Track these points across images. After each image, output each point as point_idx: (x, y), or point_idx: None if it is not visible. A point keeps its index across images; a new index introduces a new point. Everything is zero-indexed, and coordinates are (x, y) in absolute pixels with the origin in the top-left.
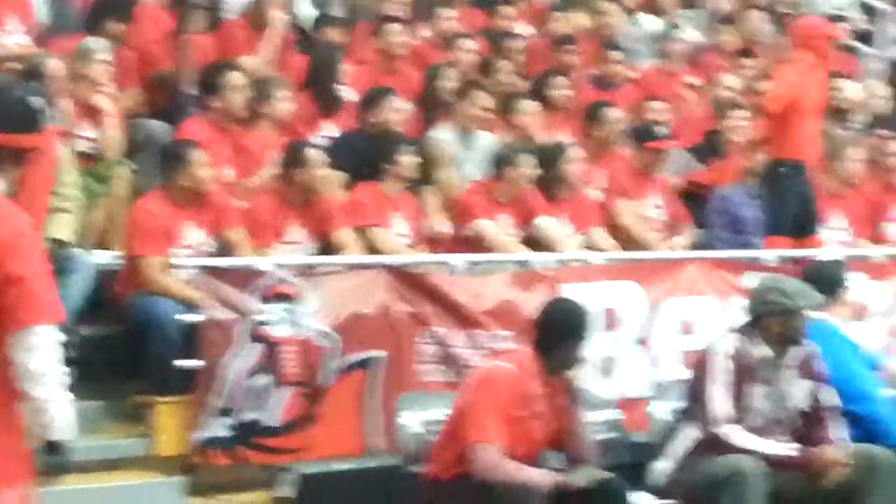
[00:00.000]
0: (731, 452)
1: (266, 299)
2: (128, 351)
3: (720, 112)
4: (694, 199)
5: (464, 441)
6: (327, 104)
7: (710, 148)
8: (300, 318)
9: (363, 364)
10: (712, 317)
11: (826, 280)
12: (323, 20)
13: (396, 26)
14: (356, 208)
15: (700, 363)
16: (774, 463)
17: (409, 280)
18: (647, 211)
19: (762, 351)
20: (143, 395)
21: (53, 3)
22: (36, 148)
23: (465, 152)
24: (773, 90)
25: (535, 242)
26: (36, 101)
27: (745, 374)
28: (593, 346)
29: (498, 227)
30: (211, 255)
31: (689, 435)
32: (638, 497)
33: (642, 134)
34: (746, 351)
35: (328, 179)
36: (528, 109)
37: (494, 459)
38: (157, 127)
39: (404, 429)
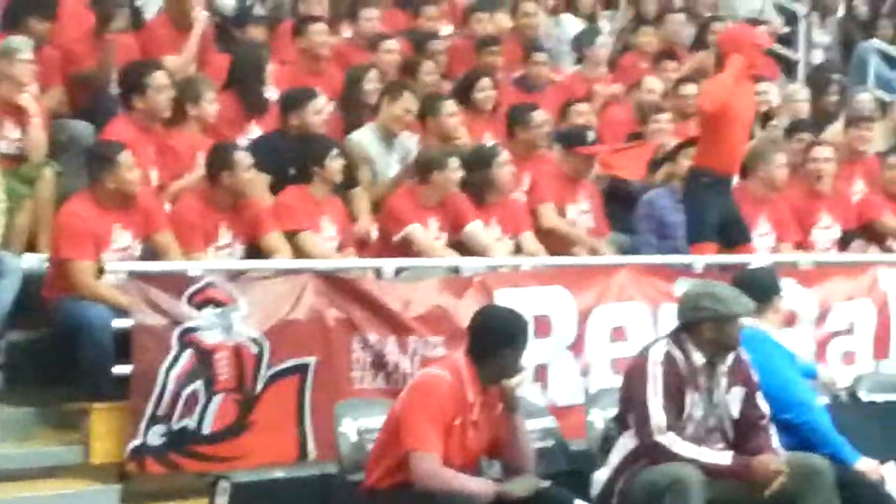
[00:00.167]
0: (668, 461)
1: (197, 304)
2: (57, 356)
3: (643, 116)
4: (620, 203)
5: (401, 450)
6: (253, 105)
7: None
8: (232, 323)
9: (295, 370)
10: (643, 323)
11: (759, 287)
12: (244, 17)
13: (319, 26)
14: (285, 212)
15: (633, 371)
16: (713, 472)
17: (339, 285)
18: (572, 215)
19: (696, 358)
20: (74, 402)
21: None
22: None
23: (388, 155)
24: (709, 90)
25: (463, 247)
26: None
27: (678, 381)
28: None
29: (426, 232)
30: (139, 258)
31: (624, 444)
32: None
33: (570, 138)
34: (679, 358)
35: (256, 182)
36: (451, 111)
37: (433, 468)
38: (81, 127)
39: (343, 437)
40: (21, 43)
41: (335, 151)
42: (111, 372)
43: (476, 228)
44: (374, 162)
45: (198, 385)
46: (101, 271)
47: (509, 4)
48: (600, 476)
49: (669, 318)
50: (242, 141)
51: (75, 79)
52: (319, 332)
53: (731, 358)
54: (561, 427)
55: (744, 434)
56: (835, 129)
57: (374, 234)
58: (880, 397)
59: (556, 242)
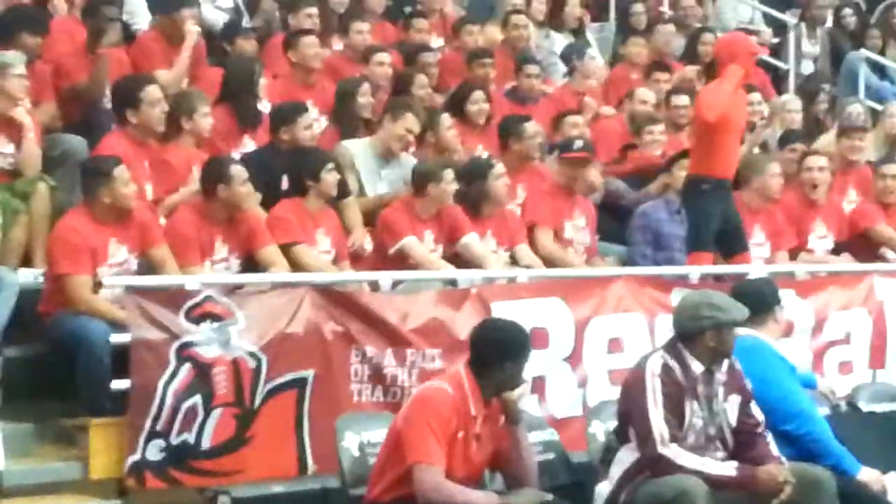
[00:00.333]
0: (672, 473)
1: (194, 319)
2: (54, 371)
3: (636, 127)
4: (614, 215)
5: (403, 463)
6: (246, 119)
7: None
8: (229, 337)
9: (293, 384)
10: (640, 334)
11: (759, 297)
12: (235, 31)
13: (311, 39)
14: (280, 225)
15: (631, 384)
16: (718, 483)
17: (336, 298)
18: (569, 233)
19: (694, 367)
20: (73, 418)
21: None
22: None
23: (381, 172)
24: (712, 99)
25: (459, 259)
26: None
27: (678, 392)
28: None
29: (422, 245)
30: (135, 273)
31: (625, 457)
32: None
33: (566, 148)
34: (677, 369)
35: (252, 196)
36: (450, 125)
37: (436, 481)
38: (75, 142)
39: (345, 451)
40: (13, 58)
41: (330, 165)
42: (109, 387)
43: (472, 241)
44: (359, 173)
45: (196, 399)
46: (98, 286)
47: (500, 17)
48: (602, 489)
49: (666, 328)
50: (235, 155)
51: (68, 93)
52: (317, 345)
53: (725, 366)
54: (563, 439)
55: (742, 443)
56: (827, 139)
57: (368, 246)
58: (880, 407)
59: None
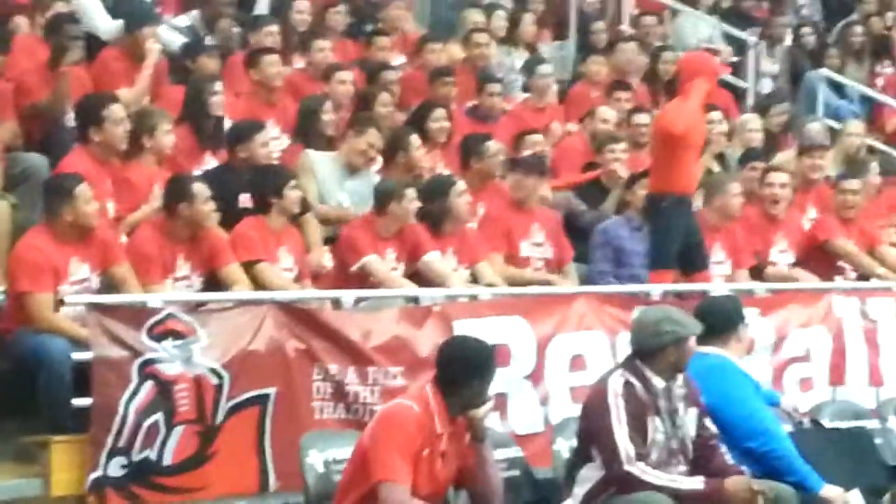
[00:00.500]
0: (638, 490)
1: (156, 337)
2: (15, 389)
3: (598, 145)
4: (574, 233)
5: (369, 480)
6: (206, 137)
7: (594, 190)
8: (191, 355)
9: (255, 401)
10: (601, 352)
11: (724, 315)
12: (197, 49)
13: (272, 57)
14: (242, 242)
15: (593, 404)
16: (687, 499)
17: (299, 316)
18: (526, 251)
19: (655, 383)
20: (34, 435)
21: None
22: None
23: (344, 185)
24: (678, 115)
25: (420, 277)
26: None
27: (640, 409)
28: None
29: (384, 262)
30: (97, 291)
31: (588, 475)
32: None
33: (525, 165)
34: (638, 386)
35: (214, 214)
36: (419, 145)
37: (402, 499)
38: (37, 160)
39: (310, 468)
40: None
41: (293, 181)
42: (71, 404)
43: (433, 258)
44: (321, 181)
45: (158, 417)
46: (59, 304)
47: (461, 35)
48: None
49: (628, 346)
50: (196, 173)
51: (29, 111)
52: (279, 362)
53: (681, 379)
54: (527, 456)
55: (701, 455)
56: (785, 157)
57: (328, 262)
58: (843, 424)
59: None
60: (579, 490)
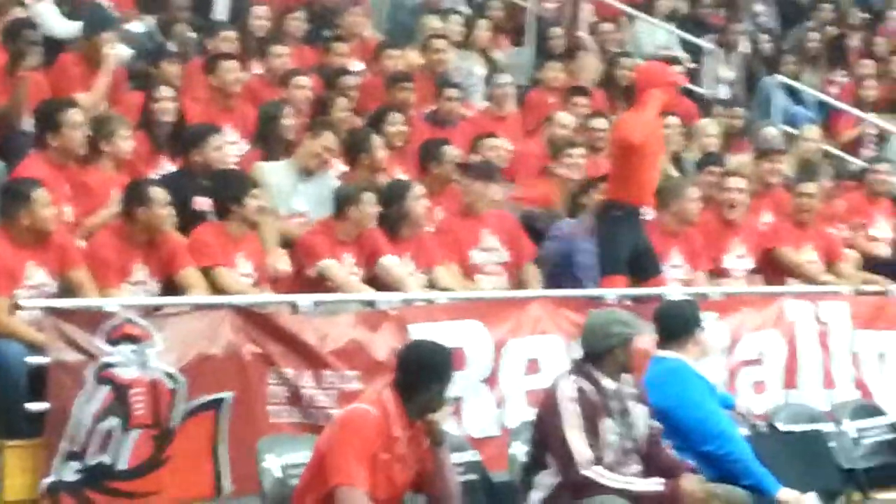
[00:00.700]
0: (595, 494)
1: (113, 341)
2: None
3: (555, 150)
4: (531, 237)
5: (326, 485)
6: (161, 142)
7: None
8: (148, 359)
9: (211, 405)
10: (557, 355)
11: (681, 319)
12: (159, 54)
13: (230, 63)
14: (200, 248)
15: (546, 410)
16: (646, 500)
17: (256, 320)
18: (477, 259)
19: (606, 384)
20: None
21: None
22: None
23: (302, 190)
24: (635, 124)
25: (379, 282)
26: None
27: (593, 412)
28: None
29: (342, 267)
30: (54, 295)
31: (544, 481)
32: None
33: (472, 171)
34: (589, 389)
35: (171, 218)
36: (380, 145)
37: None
38: None
39: (266, 472)
40: None
41: (254, 190)
42: (25, 409)
43: (390, 262)
44: (282, 195)
45: (114, 421)
46: (15, 308)
47: (420, 41)
48: None
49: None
50: (154, 177)
51: None
52: (236, 367)
53: (629, 378)
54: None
55: (648, 451)
56: (740, 161)
57: (285, 266)
58: (798, 427)
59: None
60: (536, 496)
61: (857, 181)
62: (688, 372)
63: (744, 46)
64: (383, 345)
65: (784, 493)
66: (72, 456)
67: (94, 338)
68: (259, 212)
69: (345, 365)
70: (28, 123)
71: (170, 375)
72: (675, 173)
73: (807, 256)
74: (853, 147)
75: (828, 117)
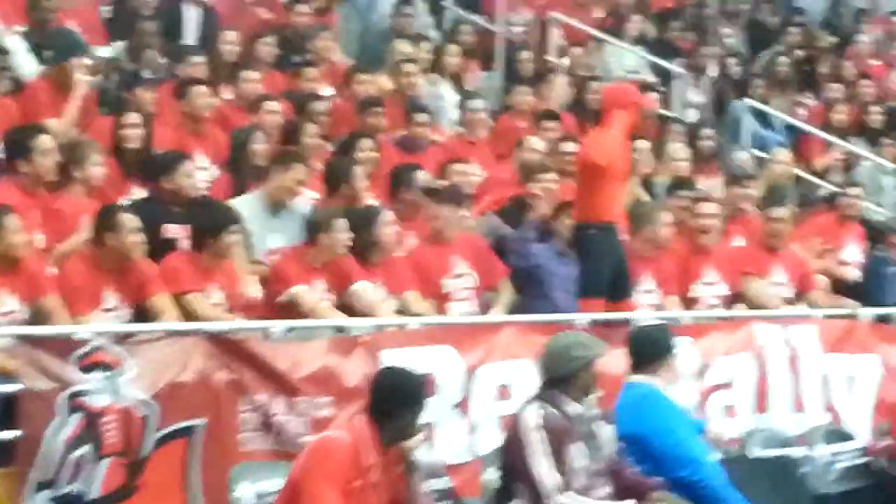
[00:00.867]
0: None
1: (85, 368)
2: None
3: (526, 174)
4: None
5: None
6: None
7: (517, 211)
8: (120, 386)
9: (183, 433)
10: (529, 380)
11: (654, 345)
12: (135, 81)
13: (201, 88)
14: (172, 274)
15: (512, 441)
16: None
17: (228, 347)
18: (448, 286)
19: (571, 409)
20: None
21: None
22: None
23: (273, 224)
24: (601, 145)
25: (350, 307)
26: None
27: (559, 439)
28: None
29: (313, 293)
30: (25, 322)
31: None
32: None
33: (439, 196)
34: (554, 415)
35: (142, 245)
36: (361, 175)
37: None
38: None
39: (239, 501)
40: None
41: (234, 227)
42: None
43: (362, 288)
44: (252, 234)
45: (86, 449)
46: None
47: (390, 65)
48: None
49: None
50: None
51: None
52: (208, 393)
53: (593, 400)
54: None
55: (612, 469)
56: (709, 185)
57: (256, 293)
58: (769, 452)
59: None
60: None
61: (827, 205)
62: (660, 398)
63: (712, 70)
64: (355, 371)
65: None
66: (43, 485)
67: (66, 365)
68: (235, 247)
69: (317, 391)
70: None
71: (142, 403)
72: (645, 197)
73: (777, 279)
74: (823, 171)
75: (797, 141)
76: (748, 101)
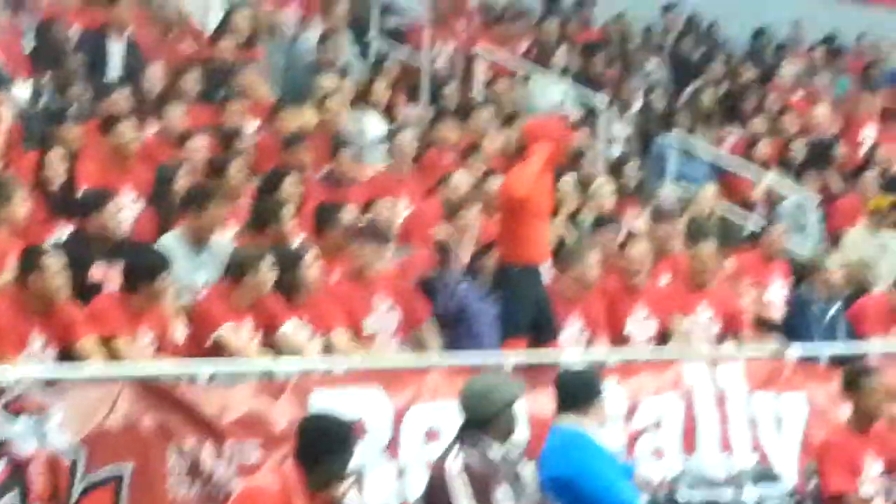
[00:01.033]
0: None
1: (10, 413)
2: None
3: (451, 210)
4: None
5: None
6: (57, 206)
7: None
8: (46, 432)
9: (111, 479)
10: (456, 423)
11: (583, 388)
12: (61, 116)
13: (127, 124)
14: (100, 317)
15: (436, 490)
16: None
17: (154, 391)
18: (371, 326)
19: (494, 452)
20: None
21: None
22: None
23: (196, 260)
24: (519, 177)
25: (277, 347)
26: None
27: (483, 483)
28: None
29: (239, 334)
30: None
31: None
32: None
33: (362, 234)
34: (476, 460)
35: (66, 286)
36: (290, 214)
37: None
38: None
39: None
40: None
41: (167, 273)
42: None
43: (289, 330)
44: (179, 268)
45: (12, 497)
46: None
47: (314, 100)
48: None
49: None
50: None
51: None
52: (135, 439)
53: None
54: None
55: None
56: (637, 221)
57: (180, 336)
58: (698, 494)
59: None
60: None
61: (752, 241)
62: (588, 441)
63: (637, 103)
64: (283, 414)
65: None
66: None
67: None
68: (166, 291)
69: (245, 435)
70: None
71: (68, 449)
72: (571, 234)
73: (704, 317)
74: (748, 206)
75: (722, 174)
76: (673, 135)
